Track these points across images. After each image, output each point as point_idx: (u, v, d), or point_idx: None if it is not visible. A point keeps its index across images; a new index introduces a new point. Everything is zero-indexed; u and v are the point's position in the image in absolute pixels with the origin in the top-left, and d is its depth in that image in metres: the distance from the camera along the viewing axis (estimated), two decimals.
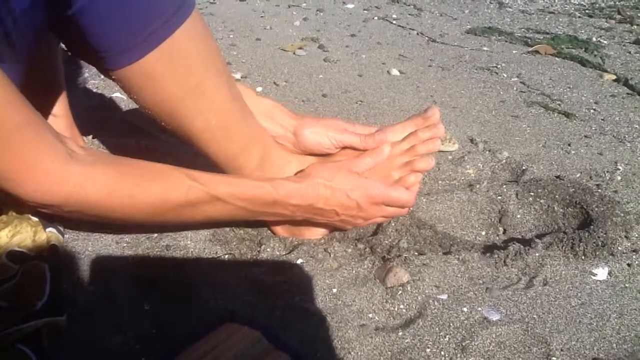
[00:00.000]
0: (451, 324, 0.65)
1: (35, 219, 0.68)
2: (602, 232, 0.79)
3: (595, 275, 0.75)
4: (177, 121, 0.66)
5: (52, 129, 0.54)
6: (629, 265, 0.76)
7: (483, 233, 0.88)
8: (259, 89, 1.46)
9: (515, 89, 1.50)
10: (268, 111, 0.80)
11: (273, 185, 0.68)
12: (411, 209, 0.88)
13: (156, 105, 0.64)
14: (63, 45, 0.68)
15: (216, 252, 0.76)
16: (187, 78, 0.63)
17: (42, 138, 0.52)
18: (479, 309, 0.67)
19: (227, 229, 0.82)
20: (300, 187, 0.70)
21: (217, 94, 0.67)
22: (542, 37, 1.98)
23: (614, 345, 0.63)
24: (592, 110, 1.35)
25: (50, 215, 0.63)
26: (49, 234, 0.68)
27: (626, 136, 1.20)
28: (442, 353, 0.61)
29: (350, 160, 0.78)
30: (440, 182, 1.00)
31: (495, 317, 0.66)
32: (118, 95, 1.32)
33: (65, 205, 0.55)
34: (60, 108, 0.82)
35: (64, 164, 0.53)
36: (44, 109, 0.81)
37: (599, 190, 0.92)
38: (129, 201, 0.58)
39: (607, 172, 1.02)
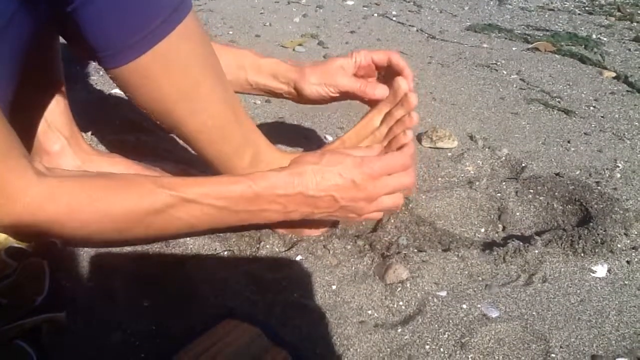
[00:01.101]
0: (450, 321, 0.65)
1: None
2: (601, 229, 0.79)
3: (594, 272, 0.75)
4: (173, 121, 0.66)
5: (21, 149, 0.53)
6: (628, 262, 0.76)
7: (482, 230, 0.88)
8: None
9: (514, 86, 1.50)
10: (271, 70, 0.82)
11: (251, 178, 0.64)
12: (410, 201, 0.88)
13: (152, 104, 0.64)
14: (62, 40, 0.68)
15: (215, 249, 0.76)
16: (182, 79, 0.63)
17: (8, 159, 0.51)
18: (478, 305, 0.67)
19: None
20: (283, 175, 0.65)
21: (212, 96, 0.66)
22: (541, 34, 1.98)
23: (613, 342, 0.63)
24: (591, 108, 1.35)
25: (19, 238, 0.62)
26: None
27: (626, 133, 1.20)
28: (442, 350, 0.61)
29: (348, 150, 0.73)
30: (439, 179, 1.00)
31: (494, 314, 0.66)
32: (117, 91, 1.32)
33: (28, 228, 0.53)
34: (60, 105, 0.82)
35: (27, 187, 0.52)
36: (43, 105, 0.80)
37: (599, 188, 0.92)
38: (93, 217, 0.56)
39: (607, 169, 1.02)
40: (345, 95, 0.84)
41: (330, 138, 1.18)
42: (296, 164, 0.68)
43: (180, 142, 1.06)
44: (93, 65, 1.49)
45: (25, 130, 0.81)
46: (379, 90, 0.80)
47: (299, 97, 0.85)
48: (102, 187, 0.57)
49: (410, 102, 0.76)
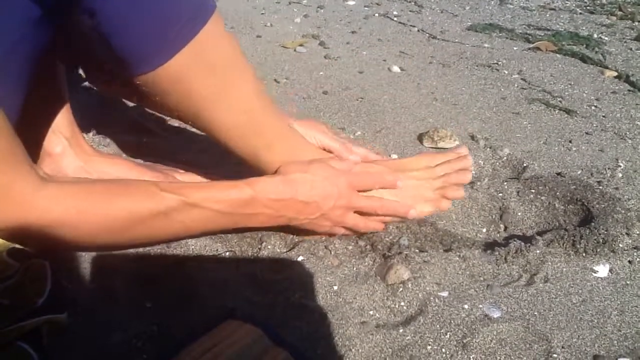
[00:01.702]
0: (452, 321, 0.65)
1: None
2: (603, 229, 0.79)
3: (596, 272, 0.75)
4: (204, 120, 0.67)
5: (25, 156, 0.54)
6: (630, 262, 0.76)
7: (484, 230, 0.88)
8: None
9: (516, 85, 1.50)
10: None
11: (247, 183, 0.67)
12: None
13: (182, 106, 0.64)
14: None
15: (217, 250, 0.76)
16: (213, 77, 0.63)
17: (13, 165, 0.51)
18: (480, 306, 0.67)
19: None
20: (277, 180, 0.69)
21: (243, 92, 0.67)
22: (543, 34, 1.98)
23: (615, 342, 0.63)
24: (593, 107, 1.34)
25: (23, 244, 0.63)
26: None
27: (627, 133, 1.20)
28: (443, 350, 0.61)
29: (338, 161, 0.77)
30: None
31: (496, 314, 0.66)
32: None
33: (36, 231, 0.54)
34: (61, 105, 0.82)
35: (33, 191, 0.52)
36: (45, 106, 0.81)
37: (600, 187, 0.92)
38: (97, 218, 0.56)
39: (608, 169, 1.02)
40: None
41: None
42: (287, 168, 0.71)
43: (182, 142, 1.06)
44: None
45: (30, 135, 0.81)
46: (357, 149, 0.83)
47: None
48: (107, 189, 0.59)
49: (468, 162, 0.83)
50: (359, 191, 0.76)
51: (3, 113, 0.49)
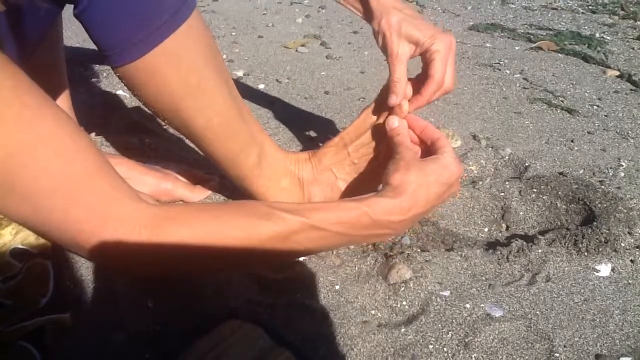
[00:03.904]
0: (454, 321, 0.65)
1: None
2: (605, 228, 0.79)
3: (598, 271, 0.75)
4: (179, 119, 0.67)
5: (119, 176, 0.54)
6: (632, 261, 0.76)
7: (486, 229, 0.88)
8: (261, 86, 1.46)
9: (518, 85, 1.49)
10: None
11: (367, 204, 0.61)
12: None
13: (158, 102, 0.65)
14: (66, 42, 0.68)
15: None
16: (188, 75, 0.63)
17: (114, 185, 0.51)
18: (482, 305, 0.67)
19: None
20: (400, 201, 0.62)
21: (218, 92, 0.67)
22: (545, 34, 1.98)
23: (617, 341, 0.63)
24: (595, 107, 1.34)
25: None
26: None
27: (629, 132, 1.20)
28: (445, 349, 0.61)
29: (410, 156, 0.67)
30: None
31: (498, 313, 0.66)
32: (121, 92, 1.32)
33: (142, 252, 0.52)
34: (63, 106, 0.83)
35: (138, 210, 0.51)
36: None
37: (602, 187, 0.92)
38: (211, 239, 0.54)
39: (610, 168, 1.02)
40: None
41: None
42: (403, 183, 0.63)
43: (183, 143, 1.07)
44: (96, 67, 1.49)
45: None
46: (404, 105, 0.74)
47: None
48: (221, 209, 0.58)
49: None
50: None
51: (83, 131, 0.51)
